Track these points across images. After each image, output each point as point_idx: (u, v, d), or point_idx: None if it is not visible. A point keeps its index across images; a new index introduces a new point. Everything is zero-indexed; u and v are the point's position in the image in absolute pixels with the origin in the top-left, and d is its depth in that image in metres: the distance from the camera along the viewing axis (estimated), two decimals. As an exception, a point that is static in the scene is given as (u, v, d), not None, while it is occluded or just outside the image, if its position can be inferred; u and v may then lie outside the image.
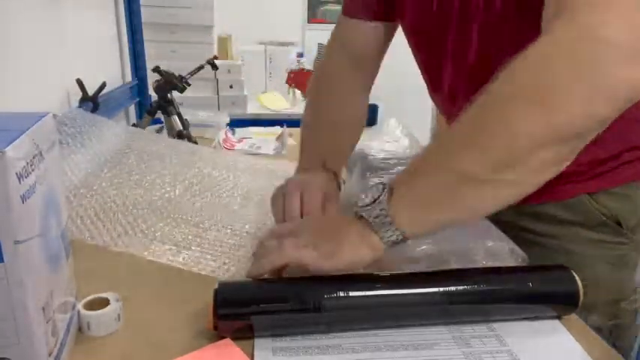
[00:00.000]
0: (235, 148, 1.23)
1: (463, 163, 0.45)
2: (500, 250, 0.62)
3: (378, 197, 0.48)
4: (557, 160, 0.45)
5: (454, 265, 0.60)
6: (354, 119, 0.81)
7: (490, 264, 0.61)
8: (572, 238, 0.67)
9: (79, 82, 0.90)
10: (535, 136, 0.42)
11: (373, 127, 0.92)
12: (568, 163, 0.45)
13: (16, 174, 0.34)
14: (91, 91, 1.13)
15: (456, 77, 0.70)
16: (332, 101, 0.80)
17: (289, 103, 1.94)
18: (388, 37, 0.78)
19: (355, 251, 0.50)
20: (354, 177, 0.84)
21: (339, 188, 0.75)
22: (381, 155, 0.89)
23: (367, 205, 0.49)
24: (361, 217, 0.50)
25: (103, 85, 0.97)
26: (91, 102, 0.97)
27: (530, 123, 0.42)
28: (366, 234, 0.49)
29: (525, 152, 0.43)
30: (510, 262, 0.61)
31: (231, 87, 1.76)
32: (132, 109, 1.54)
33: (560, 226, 0.67)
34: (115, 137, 0.81)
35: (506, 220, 0.67)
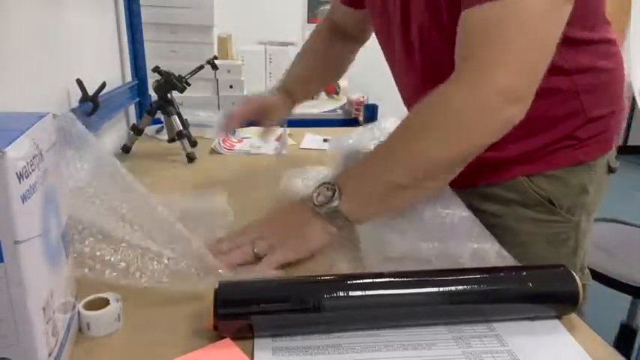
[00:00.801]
0: (235, 148, 1.23)
1: (393, 175, 0.61)
2: (485, 253, 0.64)
3: (332, 197, 0.61)
4: (457, 171, 0.62)
5: (435, 265, 0.61)
6: (329, 63, 1.06)
7: (475, 265, 0.62)
8: (515, 217, 0.77)
9: (79, 82, 0.89)
10: (447, 160, 0.60)
11: (370, 124, 0.95)
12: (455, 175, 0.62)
13: (16, 174, 0.34)
14: (91, 91, 1.13)
15: (404, 77, 0.85)
16: (316, 48, 1.06)
17: (289, 103, 1.94)
18: (368, 22, 0.94)
19: (317, 239, 0.63)
20: None
21: (291, 107, 1.02)
22: None
23: (322, 205, 0.62)
24: (317, 212, 0.62)
25: (103, 85, 0.96)
26: (91, 102, 0.96)
27: (442, 151, 0.59)
28: (322, 224, 0.62)
29: (438, 170, 0.61)
30: (497, 264, 0.63)
31: (231, 87, 1.76)
32: (132, 109, 1.54)
33: (505, 206, 0.77)
34: (86, 165, 0.76)
35: (467, 201, 0.77)
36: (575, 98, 0.72)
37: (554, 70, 0.60)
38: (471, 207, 0.76)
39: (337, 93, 2.08)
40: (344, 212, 0.61)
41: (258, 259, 0.61)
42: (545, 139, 0.74)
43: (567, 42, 0.62)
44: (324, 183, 0.63)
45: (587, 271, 0.81)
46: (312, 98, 1.06)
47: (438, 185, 0.64)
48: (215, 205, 0.87)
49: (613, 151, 0.79)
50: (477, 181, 0.79)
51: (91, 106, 0.94)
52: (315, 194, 0.63)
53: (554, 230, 0.76)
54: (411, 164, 0.60)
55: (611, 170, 0.79)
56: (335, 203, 0.61)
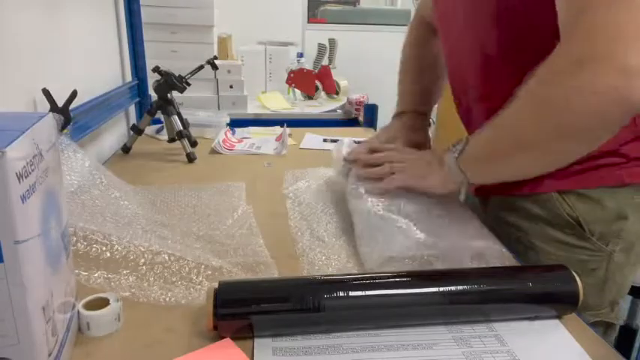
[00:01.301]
0: (235, 148, 1.23)
1: (520, 134, 0.57)
2: (489, 253, 0.63)
3: (460, 153, 0.64)
4: (589, 141, 0.55)
5: (438, 266, 0.61)
6: (437, 66, 0.94)
7: (475, 264, 0.62)
8: (538, 234, 0.70)
9: (46, 93, 0.80)
10: (574, 126, 0.53)
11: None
12: (595, 147, 0.56)
13: (16, 174, 0.34)
14: (91, 92, 1.13)
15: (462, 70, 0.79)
16: (414, 55, 0.99)
17: (289, 103, 1.94)
18: None
19: (436, 182, 0.68)
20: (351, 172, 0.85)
21: (429, 125, 0.96)
22: None
23: (450, 149, 0.65)
24: (441, 159, 0.67)
25: (74, 95, 0.84)
26: (61, 114, 0.83)
27: (569, 117, 0.52)
28: (444, 175, 0.67)
29: (565, 134, 0.54)
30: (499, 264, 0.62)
31: (231, 87, 1.76)
32: (132, 109, 1.54)
33: (531, 222, 0.71)
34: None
35: (491, 210, 0.78)
36: None
37: None
38: (496, 219, 0.74)
39: (337, 93, 2.08)
40: (465, 172, 0.64)
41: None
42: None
43: None
44: (461, 140, 0.66)
45: (617, 307, 0.71)
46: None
47: (564, 153, 0.58)
48: (232, 195, 0.88)
49: None
50: (505, 190, 0.72)
51: (62, 121, 0.83)
52: (452, 146, 0.66)
53: (580, 257, 0.68)
54: (541, 122, 0.55)
55: None
56: (458, 149, 0.65)
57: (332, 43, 2.22)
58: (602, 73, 0.49)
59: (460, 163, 0.64)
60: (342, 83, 2.12)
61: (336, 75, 2.10)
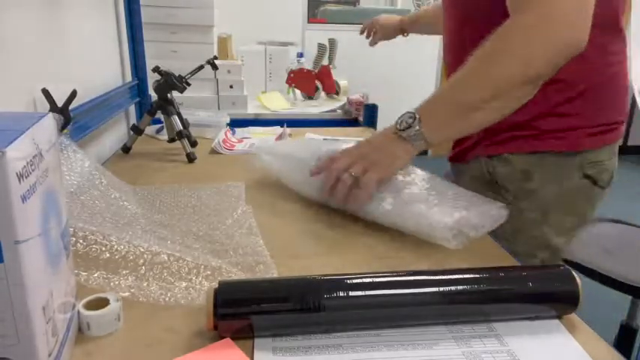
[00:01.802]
0: (235, 148, 1.23)
1: (467, 97, 0.70)
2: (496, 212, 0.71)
3: (412, 123, 0.72)
4: (527, 94, 0.69)
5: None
6: (437, 23, 1.06)
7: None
8: (473, 191, 0.80)
9: (45, 93, 0.80)
10: (514, 79, 0.67)
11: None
12: (530, 97, 0.70)
13: (16, 174, 0.34)
14: (91, 91, 1.13)
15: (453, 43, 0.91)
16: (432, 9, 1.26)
17: (289, 103, 1.94)
18: None
19: (401, 158, 0.74)
20: None
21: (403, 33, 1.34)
22: None
23: (404, 129, 0.73)
24: (400, 136, 0.73)
25: (74, 95, 0.84)
26: (61, 114, 0.83)
27: (510, 71, 0.67)
28: (404, 146, 0.73)
29: (507, 89, 0.68)
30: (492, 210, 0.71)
31: (231, 87, 1.76)
32: (132, 109, 1.54)
33: (470, 181, 0.87)
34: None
35: (455, 176, 0.93)
36: (543, 88, 0.73)
37: None
38: (454, 182, 0.86)
39: (337, 93, 2.08)
40: (423, 134, 0.72)
41: (356, 183, 0.72)
42: (512, 121, 0.77)
43: None
44: (407, 112, 0.73)
45: (536, 260, 0.83)
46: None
47: (507, 106, 0.70)
48: (231, 195, 0.88)
49: (594, 159, 0.80)
50: (462, 158, 0.92)
51: (62, 121, 0.82)
52: (398, 122, 0.73)
53: None
54: (481, 86, 0.68)
55: (589, 178, 0.79)
56: (416, 128, 0.72)
57: (332, 43, 2.22)
58: (547, 28, 0.65)
59: (422, 128, 0.72)
60: (342, 83, 2.12)
61: (336, 75, 2.10)
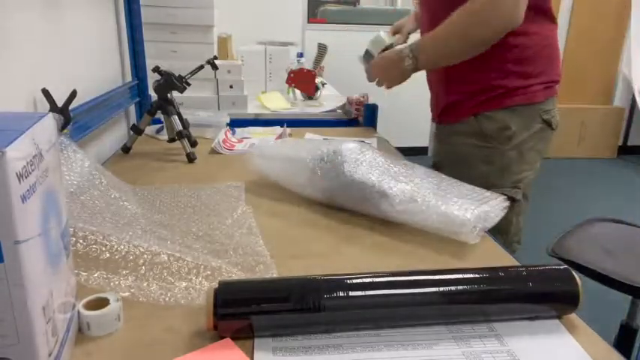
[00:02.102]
0: (235, 148, 1.23)
1: (444, 49, 1.04)
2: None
3: (413, 62, 1.05)
4: (479, 50, 1.00)
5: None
6: None
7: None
8: (464, 143, 1.10)
9: (45, 93, 0.81)
10: (483, 36, 0.98)
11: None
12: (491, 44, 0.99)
13: (16, 174, 0.34)
14: (91, 91, 1.13)
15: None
16: None
17: (289, 103, 1.94)
18: None
19: (403, 79, 1.10)
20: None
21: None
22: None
23: (409, 67, 1.06)
24: (405, 68, 1.06)
25: (73, 95, 0.85)
26: (61, 114, 0.84)
27: (480, 30, 0.98)
28: (407, 73, 1.08)
29: (479, 42, 0.99)
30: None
31: (231, 87, 1.76)
32: (132, 109, 1.54)
33: (461, 136, 1.11)
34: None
35: (443, 137, 1.19)
36: (501, 54, 1.03)
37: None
38: (442, 140, 1.19)
39: (313, 96, 2.07)
40: (418, 68, 1.06)
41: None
42: (486, 84, 1.07)
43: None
44: (410, 55, 1.05)
45: (519, 190, 1.09)
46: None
47: (476, 52, 1.00)
48: (231, 195, 0.89)
49: (546, 108, 1.07)
50: (446, 118, 1.17)
51: (62, 121, 0.83)
52: (406, 60, 1.06)
53: (485, 153, 1.08)
54: (460, 42, 1.00)
55: (545, 122, 1.08)
56: (414, 65, 1.05)
57: (322, 48, 2.22)
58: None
59: (416, 55, 1.05)
60: (324, 92, 2.09)
61: (328, 80, 2.08)
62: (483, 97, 1.07)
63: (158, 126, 1.34)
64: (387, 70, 1.13)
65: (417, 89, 1.52)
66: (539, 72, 1.07)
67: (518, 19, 0.93)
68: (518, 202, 1.09)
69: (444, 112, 1.17)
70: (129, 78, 1.48)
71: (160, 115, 1.15)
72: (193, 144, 1.16)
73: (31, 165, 0.36)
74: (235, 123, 1.43)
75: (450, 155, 1.16)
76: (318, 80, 2.02)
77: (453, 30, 1.00)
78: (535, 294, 0.53)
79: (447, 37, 1.01)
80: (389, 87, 1.16)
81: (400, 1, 4.09)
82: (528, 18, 0.96)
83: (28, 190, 0.35)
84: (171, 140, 1.16)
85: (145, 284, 0.57)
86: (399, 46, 1.21)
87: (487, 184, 0.95)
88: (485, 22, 0.96)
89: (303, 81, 1.97)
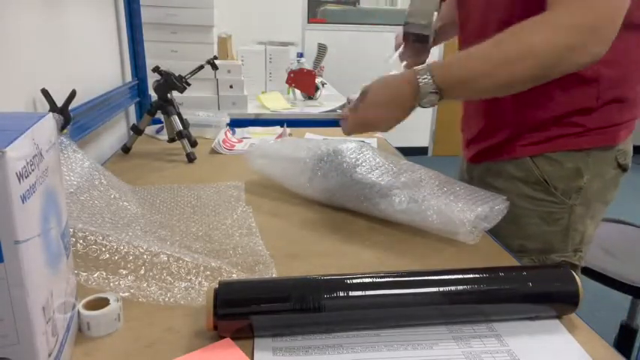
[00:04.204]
0: (235, 148, 1.23)
1: (484, 84, 0.69)
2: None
3: (435, 101, 0.72)
4: (532, 80, 0.69)
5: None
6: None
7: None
8: (515, 192, 0.84)
9: (45, 93, 0.81)
10: (527, 77, 0.68)
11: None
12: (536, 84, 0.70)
13: (16, 174, 0.34)
14: (91, 91, 1.13)
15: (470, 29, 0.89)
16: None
17: (289, 103, 1.94)
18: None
19: (401, 116, 0.76)
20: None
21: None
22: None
23: (426, 105, 0.73)
24: (417, 105, 0.74)
25: (73, 95, 0.85)
26: (60, 114, 0.83)
27: (527, 70, 0.67)
28: (411, 104, 0.74)
29: (520, 84, 0.70)
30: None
31: (231, 87, 1.76)
32: (132, 109, 1.54)
33: (508, 181, 0.85)
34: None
35: (477, 176, 0.92)
36: (594, 86, 0.77)
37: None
38: (480, 181, 0.90)
39: (313, 95, 2.07)
40: (443, 94, 0.72)
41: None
42: (545, 118, 0.81)
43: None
44: (431, 92, 0.71)
45: (581, 254, 0.85)
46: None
47: (514, 91, 0.73)
48: (231, 195, 0.89)
49: (624, 148, 0.82)
50: (491, 157, 0.88)
51: (61, 121, 0.83)
52: (423, 98, 0.72)
53: (549, 209, 0.82)
54: (504, 79, 0.68)
55: (620, 166, 0.83)
56: (437, 98, 0.72)
57: (322, 48, 2.22)
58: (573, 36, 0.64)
59: (438, 81, 0.71)
60: (324, 91, 2.10)
61: (328, 80, 2.08)
62: (546, 133, 0.80)
63: (158, 126, 1.34)
64: (385, 107, 0.77)
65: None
66: (627, 110, 0.81)
67: (604, 50, 0.65)
68: (578, 268, 0.86)
69: (484, 152, 0.89)
70: (129, 78, 1.48)
71: (160, 115, 1.15)
72: (193, 144, 1.16)
73: (31, 165, 0.36)
74: (235, 123, 1.43)
75: None
76: (318, 80, 2.02)
77: (515, 56, 0.67)
78: (535, 294, 0.53)
79: (500, 64, 0.68)
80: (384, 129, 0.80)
81: (400, 1, 4.09)
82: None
83: (28, 190, 0.35)
84: (171, 140, 1.16)
85: (144, 284, 0.57)
86: (400, 70, 0.91)
87: (547, 248, 0.82)
88: (581, 47, 0.65)
89: (303, 81, 1.97)
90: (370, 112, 0.79)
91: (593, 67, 0.71)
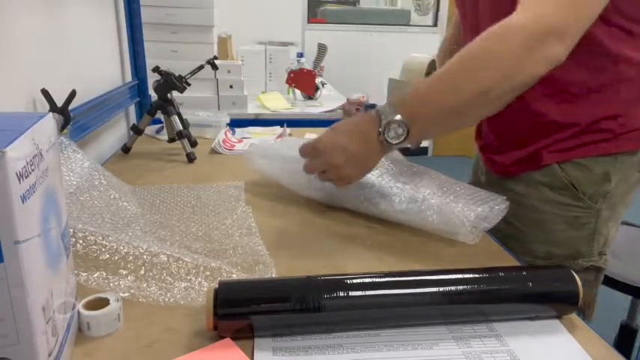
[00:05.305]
0: (235, 148, 1.23)
1: (455, 103, 0.67)
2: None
3: (403, 135, 0.69)
4: (506, 101, 0.67)
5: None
6: None
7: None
8: (539, 197, 0.82)
9: (45, 93, 0.81)
10: (501, 89, 0.65)
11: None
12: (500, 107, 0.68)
13: (16, 174, 0.34)
14: (91, 91, 1.13)
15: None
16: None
17: (289, 103, 1.94)
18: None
19: (373, 166, 0.75)
20: None
21: None
22: None
23: (395, 143, 0.70)
24: (385, 143, 0.70)
25: (73, 95, 0.85)
26: (60, 114, 0.83)
27: (497, 81, 0.64)
28: (382, 154, 0.73)
29: (493, 98, 0.66)
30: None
31: (231, 87, 1.76)
32: (132, 109, 1.54)
33: (531, 187, 0.83)
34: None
35: (496, 180, 0.89)
36: (616, 91, 0.76)
37: (606, 58, 0.71)
38: (499, 185, 0.87)
39: (313, 95, 2.08)
40: (410, 141, 0.70)
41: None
42: (581, 124, 0.78)
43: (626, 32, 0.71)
44: (394, 120, 0.69)
45: (605, 257, 0.84)
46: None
47: (489, 113, 0.72)
48: (231, 195, 0.89)
49: None
50: (523, 168, 0.85)
51: (61, 121, 0.83)
52: (386, 132, 0.70)
53: (575, 214, 0.81)
54: (469, 93, 0.66)
55: None
56: (406, 140, 0.69)
57: (322, 48, 2.22)
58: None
59: (410, 136, 0.69)
60: (324, 91, 2.10)
61: (328, 80, 2.09)
62: (580, 139, 0.79)
63: (158, 126, 1.34)
64: (347, 134, 0.74)
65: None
66: None
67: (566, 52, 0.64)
68: (602, 272, 0.85)
69: (514, 164, 0.85)
70: (129, 78, 1.48)
71: (160, 115, 1.15)
72: (193, 144, 1.16)
73: (31, 165, 0.36)
74: (235, 123, 1.43)
75: (516, 211, 0.81)
76: (318, 80, 2.02)
77: (470, 75, 0.66)
78: (535, 294, 0.53)
79: (464, 82, 0.66)
80: (345, 182, 0.76)
81: (400, 1, 4.09)
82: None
83: (28, 190, 0.35)
84: (171, 140, 1.16)
85: (144, 284, 0.57)
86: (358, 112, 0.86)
87: (574, 254, 0.81)
88: (538, 48, 0.63)
89: (303, 81, 1.97)
90: (329, 136, 0.75)
91: (615, 69, 0.73)
